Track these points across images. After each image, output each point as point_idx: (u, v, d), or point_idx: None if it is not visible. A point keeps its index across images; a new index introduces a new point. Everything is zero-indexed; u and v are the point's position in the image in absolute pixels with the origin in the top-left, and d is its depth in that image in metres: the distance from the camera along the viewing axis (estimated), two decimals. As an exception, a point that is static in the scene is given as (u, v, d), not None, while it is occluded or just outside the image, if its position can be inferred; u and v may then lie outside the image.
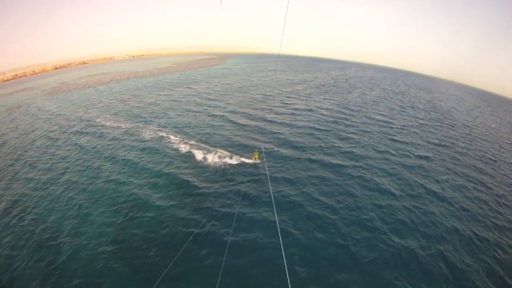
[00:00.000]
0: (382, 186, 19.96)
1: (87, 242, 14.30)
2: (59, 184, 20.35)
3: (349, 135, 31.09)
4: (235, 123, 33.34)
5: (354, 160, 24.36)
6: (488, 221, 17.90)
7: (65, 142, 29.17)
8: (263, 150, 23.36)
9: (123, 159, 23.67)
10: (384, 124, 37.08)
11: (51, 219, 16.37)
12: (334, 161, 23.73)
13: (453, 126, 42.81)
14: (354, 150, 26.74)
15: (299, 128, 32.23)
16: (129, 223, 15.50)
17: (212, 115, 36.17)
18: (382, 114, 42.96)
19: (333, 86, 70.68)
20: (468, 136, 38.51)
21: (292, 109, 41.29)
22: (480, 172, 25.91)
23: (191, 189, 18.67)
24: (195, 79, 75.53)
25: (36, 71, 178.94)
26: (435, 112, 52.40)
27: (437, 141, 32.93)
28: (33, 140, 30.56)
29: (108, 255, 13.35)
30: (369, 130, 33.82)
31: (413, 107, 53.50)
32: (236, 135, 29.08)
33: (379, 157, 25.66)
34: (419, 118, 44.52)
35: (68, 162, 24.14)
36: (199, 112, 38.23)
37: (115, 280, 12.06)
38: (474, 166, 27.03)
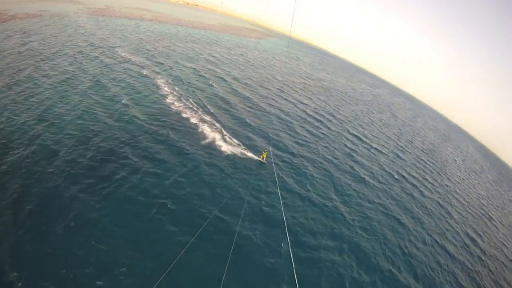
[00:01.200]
0: (290, 181, 21.13)
1: (49, 124, 18.92)
2: (48, 84, 24.67)
3: (305, 133, 31.50)
4: (213, 87, 35.72)
5: (287, 152, 25.49)
6: (372, 258, 17.03)
7: (72, 56, 33.51)
8: (271, 150, 23.37)
9: (103, 84, 27.54)
10: (355, 140, 36.62)
11: (33, 104, 20.88)
12: (265, 145, 25.03)
13: (432, 172, 40.45)
14: (296, 145, 27.66)
15: (261, 110, 33.73)
16: (88, 127, 19.78)
17: (202, 76, 38.85)
18: (364, 133, 42.04)
19: (343, 94, 68.87)
20: (442, 187, 36.04)
21: (276, 95, 42.30)
22: (415, 215, 24.74)
23: (137, 121, 22.29)
24: (222, 43, 77.40)
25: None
26: (428, 154, 50.14)
27: (397, 175, 31.19)
28: (48, 48, 35.24)
29: (66, 137, 18.00)
30: (333, 138, 33.75)
31: (408, 141, 51.82)
32: (202, 95, 31.63)
33: (316, 159, 26.21)
34: (404, 151, 43.03)
35: (64, 72, 28.11)
36: (195, 69, 41.03)
37: (63, 150, 16.61)
38: (413, 209, 25.59)
